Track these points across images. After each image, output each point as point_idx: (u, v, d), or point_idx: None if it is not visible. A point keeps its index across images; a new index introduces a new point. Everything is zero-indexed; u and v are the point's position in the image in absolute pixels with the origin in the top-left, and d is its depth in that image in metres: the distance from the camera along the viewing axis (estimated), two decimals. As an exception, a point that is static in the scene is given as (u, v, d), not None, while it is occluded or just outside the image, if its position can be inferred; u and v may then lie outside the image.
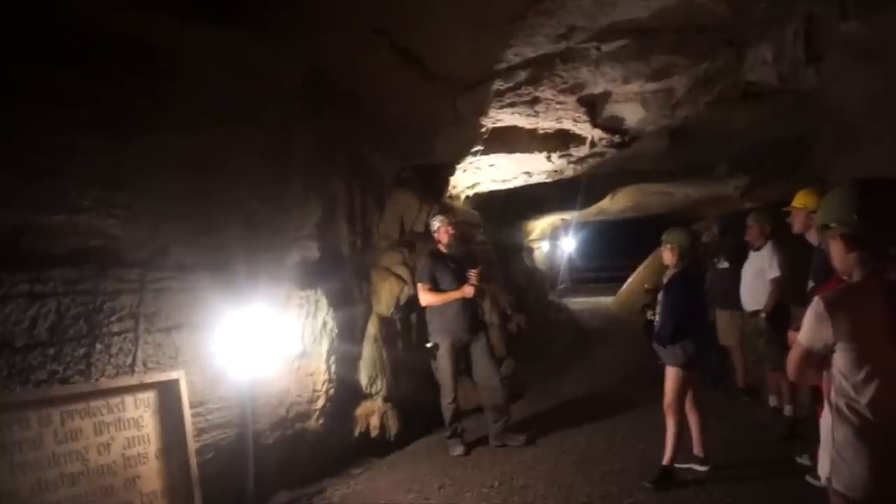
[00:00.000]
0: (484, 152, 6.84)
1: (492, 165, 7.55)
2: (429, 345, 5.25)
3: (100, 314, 3.26)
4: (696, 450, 4.46)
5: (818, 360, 2.05)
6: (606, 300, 15.42)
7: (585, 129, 6.58)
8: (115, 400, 3.35)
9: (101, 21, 3.22)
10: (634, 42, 4.67)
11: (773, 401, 5.72)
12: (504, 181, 8.50)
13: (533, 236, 14.88)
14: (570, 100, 5.75)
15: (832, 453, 2.00)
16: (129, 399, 3.41)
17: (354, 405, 5.26)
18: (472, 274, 5.08)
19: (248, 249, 4.13)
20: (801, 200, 4.34)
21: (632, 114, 6.20)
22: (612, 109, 6.11)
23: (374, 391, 5.47)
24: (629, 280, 14.92)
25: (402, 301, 6.00)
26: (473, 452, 5.13)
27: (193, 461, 3.56)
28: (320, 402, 4.75)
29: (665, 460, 4.30)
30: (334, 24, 4.07)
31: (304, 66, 4.46)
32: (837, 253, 2.08)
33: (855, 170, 5.60)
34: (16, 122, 2.93)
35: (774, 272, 5.36)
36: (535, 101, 5.70)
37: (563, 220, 15.17)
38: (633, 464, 4.70)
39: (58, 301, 3.06)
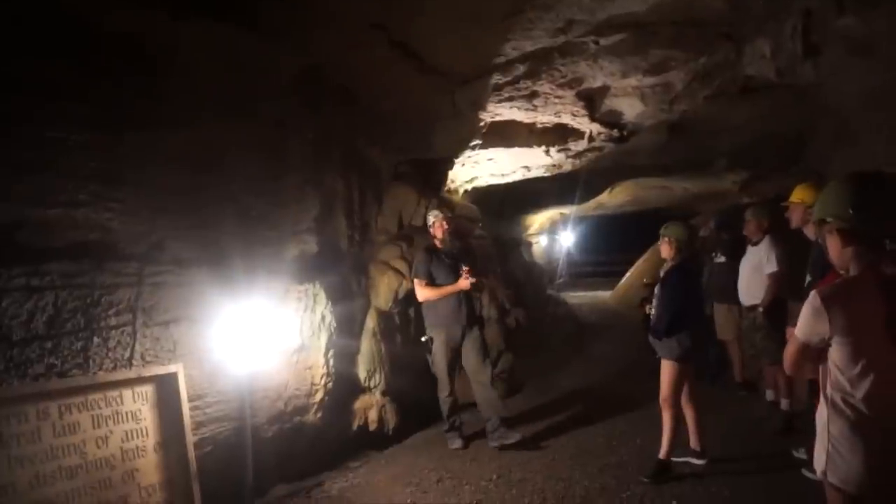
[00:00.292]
0: (482, 146, 6.83)
1: (490, 160, 7.55)
2: (423, 339, 5.26)
3: (97, 308, 3.26)
4: (693, 443, 4.48)
5: (815, 354, 2.06)
6: (604, 294, 15.45)
7: (584, 124, 6.57)
8: (113, 393, 3.35)
9: (98, 17, 3.23)
10: (633, 36, 4.67)
11: (770, 395, 5.74)
12: (502, 175, 8.50)
13: (531, 231, 14.89)
14: (569, 94, 5.74)
15: (828, 447, 2.01)
16: (127, 392, 3.42)
17: (353, 399, 5.27)
18: (464, 271, 5.04)
19: (245, 244, 4.14)
20: (798, 195, 4.34)
21: (630, 108, 6.19)
22: (610, 104, 6.10)
23: (372, 385, 5.49)
24: (627, 274, 14.94)
25: (401, 295, 6.00)
26: (471, 446, 5.14)
27: (192, 454, 3.57)
28: (319, 396, 4.76)
29: (662, 454, 4.32)
30: (331, 19, 4.05)
31: (300, 61, 4.46)
32: (834, 247, 2.08)
33: (852, 164, 5.60)
34: (13, 117, 2.94)
35: (772, 267, 5.37)
36: (533, 95, 5.69)
37: (561, 214, 15.17)
38: (631, 457, 4.72)
39: (55, 295, 3.07)
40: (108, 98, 3.28)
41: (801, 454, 4.39)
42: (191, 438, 3.59)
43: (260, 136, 4.29)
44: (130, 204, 3.41)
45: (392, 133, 5.83)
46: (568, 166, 8.26)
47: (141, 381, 3.48)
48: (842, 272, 2.11)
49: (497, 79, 5.23)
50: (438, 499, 4.14)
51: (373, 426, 5.31)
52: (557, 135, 6.89)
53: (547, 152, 7.29)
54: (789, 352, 2.15)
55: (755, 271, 5.56)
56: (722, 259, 6.61)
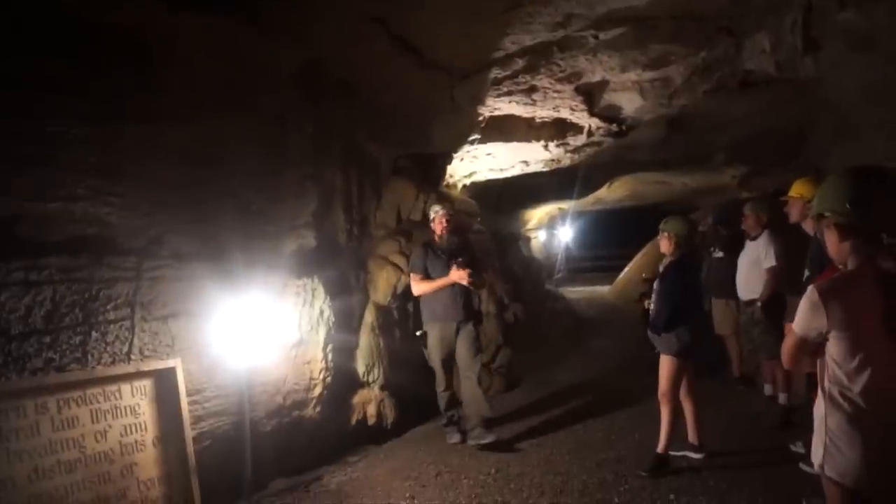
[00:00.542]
0: (481, 141, 6.82)
1: (489, 154, 7.54)
2: (418, 333, 5.26)
3: (96, 302, 3.26)
4: (691, 438, 4.49)
5: (812, 348, 2.06)
6: (603, 289, 15.45)
7: (583, 118, 6.57)
8: (111, 388, 3.36)
9: (97, 11, 3.22)
10: (632, 30, 4.66)
11: (767, 389, 5.75)
12: (501, 170, 8.49)
13: (530, 225, 14.88)
14: (568, 88, 5.73)
15: (825, 440, 2.02)
16: (125, 387, 3.43)
17: (351, 393, 5.28)
18: (457, 262, 4.98)
19: (244, 238, 4.13)
20: (797, 190, 4.34)
21: (629, 102, 6.18)
22: (609, 98, 6.09)
23: (370, 379, 5.49)
24: (626, 269, 14.94)
25: (399, 290, 6.00)
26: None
27: (190, 449, 3.58)
28: (317, 391, 4.76)
29: (659, 449, 4.33)
30: (330, 13, 4.04)
31: (299, 55, 4.44)
32: (832, 242, 2.09)
33: (852, 159, 5.61)
34: (13, 111, 2.94)
35: (770, 261, 5.38)
36: (532, 89, 5.68)
37: (560, 209, 15.16)
38: (629, 452, 4.73)
39: (53, 289, 3.07)
40: (107, 92, 3.27)
41: (798, 448, 4.41)
42: (189, 433, 3.60)
43: (260, 130, 4.29)
44: (129, 198, 3.40)
45: (391, 127, 5.82)
46: (567, 161, 8.25)
47: (139, 375, 3.48)
48: (840, 267, 2.12)
49: (496, 73, 5.22)
50: (437, 493, 4.15)
51: (371, 420, 5.32)
52: (556, 129, 6.88)
53: (546, 147, 7.28)
54: (787, 346, 2.16)
55: (753, 266, 5.56)
56: (720, 254, 6.62)
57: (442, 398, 5.19)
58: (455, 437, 5.11)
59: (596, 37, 4.72)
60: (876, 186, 1.99)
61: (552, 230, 17.83)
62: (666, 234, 4.44)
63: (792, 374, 5.04)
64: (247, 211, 4.18)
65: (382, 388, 5.54)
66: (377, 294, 5.93)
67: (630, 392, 6.30)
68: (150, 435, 3.52)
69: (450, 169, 7.66)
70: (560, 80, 5.53)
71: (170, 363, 3.57)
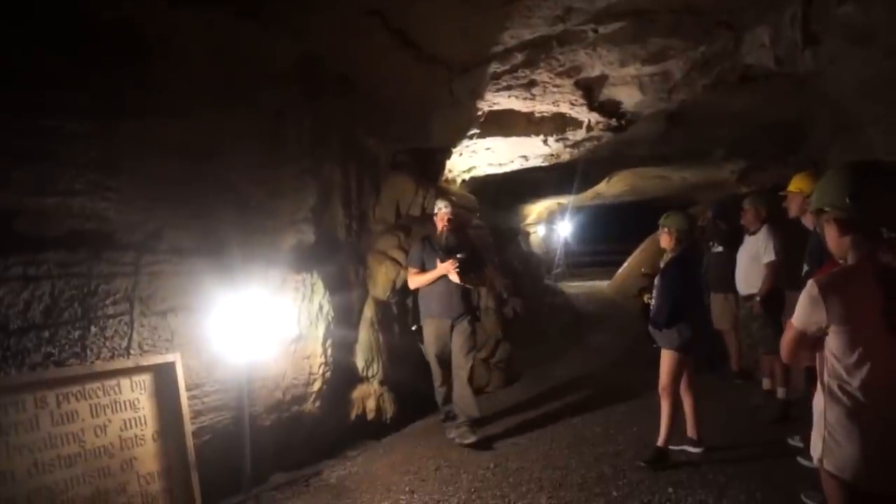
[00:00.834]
0: (480, 136, 6.81)
1: (488, 149, 7.53)
2: (414, 328, 5.26)
3: (94, 297, 3.26)
4: (690, 432, 4.50)
5: (812, 342, 2.06)
6: (602, 284, 15.47)
7: (582, 113, 6.55)
8: (110, 382, 3.36)
9: (96, 7, 3.21)
10: (631, 24, 4.64)
11: (766, 384, 5.77)
12: (500, 165, 8.47)
13: (529, 220, 14.88)
14: (567, 83, 5.72)
15: (824, 434, 2.02)
16: (125, 382, 3.43)
17: (351, 388, 5.28)
18: (451, 261, 4.95)
19: (243, 233, 4.13)
20: (796, 185, 4.34)
21: (629, 97, 6.17)
22: (608, 93, 6.08)
23: (370, 374, 5.50)
24: (625, 264, 14.95)
25: (398, 285, 6.00)
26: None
27: (190, 443, 3.58)
28: (317, 386, 4.77)
29: (659, 442, 4.35)
30: (328, 7, 4.02)
31: (297, 49, 4.43)
32: (832, 237, 2.08)
33: (851, 153, 5.60)
34: (12, 106, 2.93)
35: (769, 256, 5.39)
36: (531, 84, 5.66)
37: (559, 204, 15.16)
38: (628, 446, 4.74)
39: (52, 284, 3.07)
40: (106, 87, 3.27)
41: (796, 442, 4.43)
42: (189, 427, 3.60)
43: (258, 125, 4.28)
44: (128, 193, 3.40)
45: (390, 122, 5.81)
46: (566, 156, 8.24)
47: (139, 370, 3.48)
48: (840, 261, 2.12)
49: (495, 67, 5.20)
50: (436, 487, 4.16)
51: (371, 415, 5.33)
52: (556, 124, 6.86)
53: (545, 142, 7.27)
54: (786, 340, 2.16)
55: (752, 261, 5.57)
56: (719, 249, 6.63)
57: (439, 393, 5.20)
58: (454, 432, 5.12)
59: (595, 31, 4.70)
60: (875, 181, 1.99)
61: (551, 225, 17.83)
62: (666, 229, 4.44)
63: (790, 369, 5.05)
64: (246, 206, 4.17)
65: (382, 382, 5.55)
66: (376, 289, 5.93)
67: (628, 386, 6.31)
68: (149, 429, 3.52)
69: (449, 164, 7.64)
70: (559, 75, 5.52)
71: (169, 358, 3.57)
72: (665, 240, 4.48)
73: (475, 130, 6.60)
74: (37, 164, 3.01)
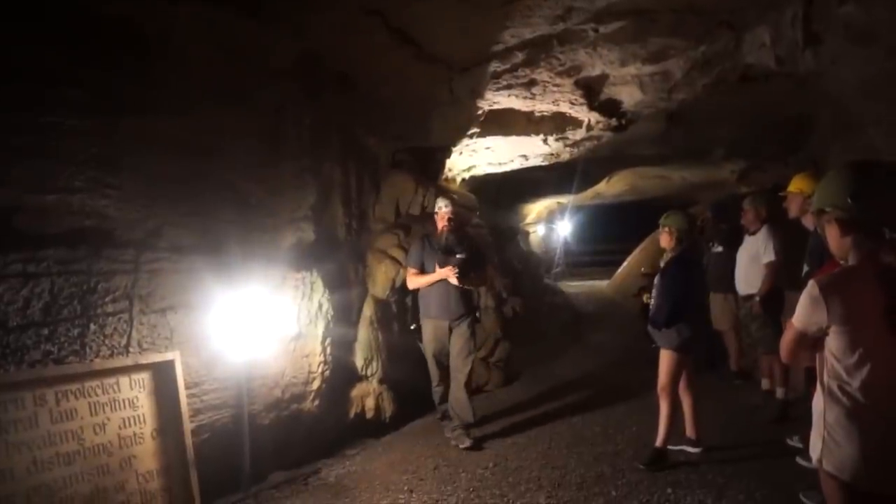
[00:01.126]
0: (480, 135, 6.80)
1: (488, 148, 7.52)
2: (413, 326, 5.25)
3: (94, 295, 3.26)
4: (689, 432, 4.49)
5: (812, 342, 2.06)
6: (601, 284, 15.46)
7: (582, 112, 6.54)
8: (110, 380, 3.36)
9: (95, 2, 3.21)
10: (632, 24, 4.63)
11: (765, 384, 5.77)
12: (500, 164, 8.47)
13: (529, 220, 14.88)
14: (567, 82, 5.71)
15: (823, 435, 2.02)
16: (124, 380, 3.42)
17: (350, 387, 5.28)
18: (451, 268, 4.89)
19: (242, 231, 4.13)
20: (797, 185, 4.33)
21: (629, 97, 6.16)
22: (609, 92, 6.07)
23: (369, 373, 5.49)
24: (624, 264, 14.94)
25: (398, 284, 5.99)
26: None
27: (189, 441, 3.58)
28: (316, 384, 4.76)
29: (658, 442, 4.34)
30: (328, 5, 4.02)
31: (297, 47, 4.42)
32: (833, 237, 2.08)
33: (852, 153, 5.60)
34: (10, 103, 2.93)
35: (769, 256, 5.38)
36: (531, 83, 5.66)
37: (559, 203, 15.15)
38: (627, 446, 4.74)
39: (51, 281, 3.06)
40: (105, 84, 3.27)
41: (795, 442, 4.43)
42: (188, 425, 3.60)
43: (258, 122, 4.28)
44: (127, 190, 3.40)
45: (390, 120, 5.81)
46: (566, 155, 8.23)
47: (138, 368, 3.48)
48: (841, 262, 2.11)
49: (495, 66, 5.19)
50: (435, 486, 4.16)
51: (370, 414, 5.33)
52: (556, 123, 6.85)
53: (545, 141, 7.26)
54: (786, 340, 2.15)
55: (752, 261, 5.57)
56: (719, 248, 6.63)
57: (436, 393, 5.19)
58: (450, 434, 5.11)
59: (596, 30, 4.70)
60: (877, 181, 1.99)
61: (551, 224, 17.82)
62: (667, 228, 4.43)
63: (789, 369, 5.05)
64: (245, 204, 4.17)
65: (381, 381, 5.55)
66: (376, 288, 5.93)
67: (628, 386, 6.31)
68: (148, 427, 3.52)
69: (449, 163, 7.64)
70: (560, 74, 5.51)
71: (168, 356, 3.57)
72: (665, 239, 4.48)
73: (475, 129, 6.60)
74: (37, 160, 3.01)
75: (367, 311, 5.72)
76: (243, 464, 3.97)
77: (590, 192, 12.62)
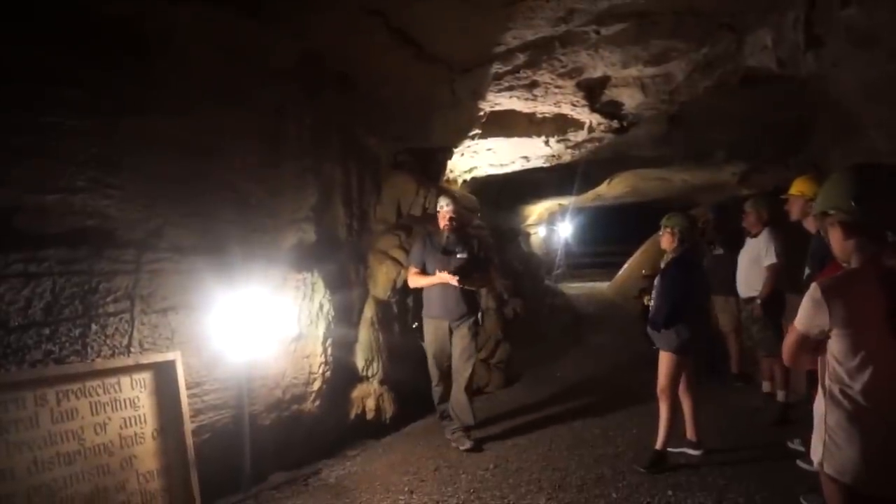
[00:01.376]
0: (482, 136, 6.80)
1: (489, 150, 7.53)
2: (415, 325, 5.24)
3: (95, 295, 3.25)
4: (690, 434, 4.49)
5: (813, 345, 2.06)
6: (602, 286, 15.46)
7: (584, 114, 6.55)
8: (111, 380, 3.36)
9: (95, 2, 3.20)
10: (634, 26, 4.63)
11: (766, 386, 5.77)
12: (502, 165, 8.47)
13: (530, 221, 14.87)
14: (569, 84, 5.71)
15: (825, 438, 2.02)
16: (125, 380, 3.42)
17: (350, 387, 5.28)
18: (451, 277, 4.84)
19: (243, 231, 4.13)
20: (798, 188, 4.33)
21: (630, 99, 6.16)
22: (610, 94, 6.07)
23: (370, 374, 5.49)
24: (625, 266, 14.94)
25: (399, 284, 6.00)
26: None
27: (190, 441, 3.58)
28: (316, 385, 4.76)
29: (658, 444, 4.34)
30: (329, 5, 4.02)
31: (297, 47, 4.42)
32: (836, 240, 2.08)
33: (853, 156, 5.59)
34: (11, 102, 2.93)
35: (771, 259, 5.38)
36: (533, 84, 5.66)
37: (560, 205, 15.14)
38: (627, 448, 4.74)
39: (53, 281, 3.06)
40: (106, 84, 3.26)
41: (796, 445, 4.42)
42: (189, 426, 3.60)
43: (259, 122, 4.27)
44: (128, 190, 3.39)
45: (391, 121, 5.81)
46: (567, 157, 8.24)
47: (139, 368, 3.48)
48: (843, 264, 2.11)
49: (497, 68, 5.19)
50: (436, 487, 4.15)
51: (370, 415, 5.32)
52: (557, 125, 6.86)
53: (546, 143, 7.27)
54: (788, 343, 2.15)
55: (753, 263, 5.56)
56: (720, 251, 6.63)
57: (435, 392, 5.19)
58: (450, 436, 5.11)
59: (597, 32, 4.70)
60: (880, 184, 1.98)
61: (552, 226, 17.82)
62: (668, 229, 4.43)
63: (790, 371, 5.05)
64: (246, 204, 4.17)
65: (381, 382, 5.55)
66: (377, 288, 5.93)
67: (629, 388, 6.31)
68: (149, 427, 3.52)
69: (450, 164, 7.64)
70: (561, 76, 5.51)
71: (169, 356, 3.57)
72: (666, 240, 4.47)
73: (476, 131, 6.60)
74: (37, 160, 3.01)
75: (368, 311, 5.72)
76: (244, 464, 3.97)
77: (591, 193, 12.60)
